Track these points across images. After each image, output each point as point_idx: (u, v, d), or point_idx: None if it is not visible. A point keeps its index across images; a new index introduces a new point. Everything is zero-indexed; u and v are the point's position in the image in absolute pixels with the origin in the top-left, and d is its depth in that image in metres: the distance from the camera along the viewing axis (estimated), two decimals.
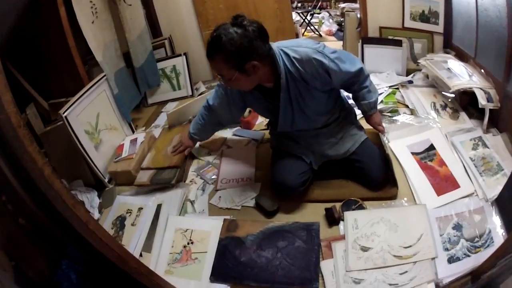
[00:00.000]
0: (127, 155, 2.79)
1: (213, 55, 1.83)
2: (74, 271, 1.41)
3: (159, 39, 4.15)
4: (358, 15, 3.92)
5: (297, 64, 1.90)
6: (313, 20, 6.31)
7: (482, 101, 2.52)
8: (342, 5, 6.17)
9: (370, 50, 3.65)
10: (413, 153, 2.45)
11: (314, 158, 2.30)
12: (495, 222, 1.98)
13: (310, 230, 2.06)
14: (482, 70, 2.78)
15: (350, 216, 2.07)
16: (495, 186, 2.13)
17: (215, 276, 1.96)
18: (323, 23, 6.22)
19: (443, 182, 2.25)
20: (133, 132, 3.30)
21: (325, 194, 2.30)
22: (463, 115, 2.79)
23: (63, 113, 2.40)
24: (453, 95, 2.88)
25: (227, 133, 3.12)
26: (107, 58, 3.00)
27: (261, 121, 3.23)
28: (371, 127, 2.38)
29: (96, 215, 2.50)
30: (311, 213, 2.24)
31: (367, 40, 3.69)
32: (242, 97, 2.24)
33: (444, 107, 2.87)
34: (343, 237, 2.00)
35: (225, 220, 2.22)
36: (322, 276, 1.87)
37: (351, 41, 4.08)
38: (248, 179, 2.58)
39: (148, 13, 3.96)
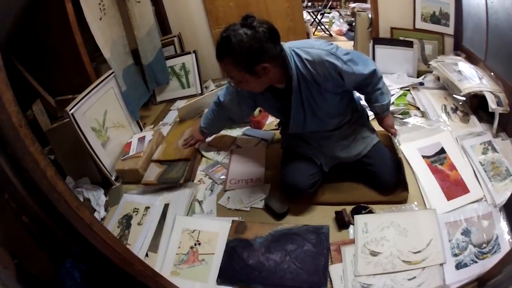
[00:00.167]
0: (134, 153, 2.78)
1: (222, 57, 1.81)
2: (78, 270, 1.41)
3: (168, 36, 4.13)
4: (369, 15, 3.88)
5: (309, 66, 1.86)
6: (323, 20, 6.29)
7: (492, 105, 2.49)
8: (352, 5, 6.16)
9: (381, 51, 3.61)
10: (424, 156, 2.42)
11: (324, 160, 2.27)
12: (503, 228, 1.96)
13: (320, 234, 2.04)
14: (492, 74, 2.75)
15: (360, 220, 2.04)
16: (503, 192, 2.11)
17: (222, 278, 1.94)
18: (333, 22, 6.20)
19: (453, 187, 2.23)
20: (141, 130, 3.28)
21: (335, 197, 2.28)
22: (473, 118, 2.75)
23: (70, 110, 2.39)
24: (464, 98, 2.84)
25: (236, 133, 3.10)
26: (115, 55, 2.99)
27: (271, 120, 3.20)
28: (382, 129, 2.34)
29: (102, 213, 2.49)
30: (321, 216, 2.21)
31: (378, 40, 3.65)
32: (252, 96, 2.22)
33: (454, 110, 2.84)
34: (352, 241, 1.98)
35: (233, 221, 2.20)
36: (331, 281, 1.84)
37: (362, 41, 4.04)
38: (257, 180, 2.55)
39: (157, 10, 3.95)
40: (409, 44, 3.48)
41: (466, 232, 1.94)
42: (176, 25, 4.20)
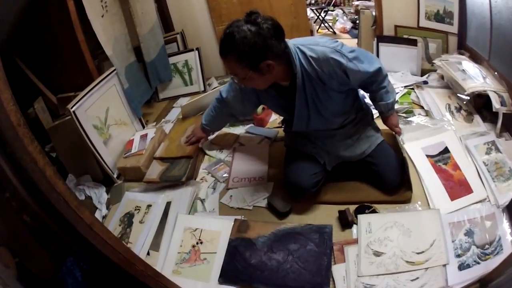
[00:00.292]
0: (136, 150, 2.77)
1: (226, 54, 1.79)
2: (79, 268, 1.40)
3: (171, 33, 4.12)
4: (373, 13, 3.86)
5: (313, 64, 1.84)
6: (327, 17, 6.28)
7: (496, 104, 2.47)
8: (355, 2, 6.13)
9: (385, 49, 3.59)
10: (427, 156, 2.40)
11: (328, 159, 2.25)
12: (505, 229, 1.95)
13: (323, 233, 2.02)
14: (496, 73, 2.74)
15: (363, 219, 2.03)
16: (506, 193, 2.10)
17: (224, 278, 1.93)
18: (337, 20, 6.19)
19: (457, 187, 2.21)
20: (144, 127, 3.27)
21: (339, 196, 2.27)
22: (477, 118, 2.73)
23: (71, 107, 2.38)
24: (468, 98, 2.82)
25: (239, 130, 3.08)
26: (117, 52, 2.98)
27: (274, 118, 3.18)
28: (386, 128, 2.32)
29: (103, 211, 2.49)
30: (324, 215, 2.20)
31: (382, 38, 3.63)
32: (256, 93, 2.20)
33: (458, 109, 2.82)
34: (355, 241, 1.96)
35: (236, 220, 2.19)
36: (333, 281, 1.83)
37: (366, 39, 4.02)
38: (260, 178, 2.54)
39: (160, 7, 3.95)
40: (413, 43, 3.46)
41: (469, 233, 1.93)
42: (179, 22, 4.20)
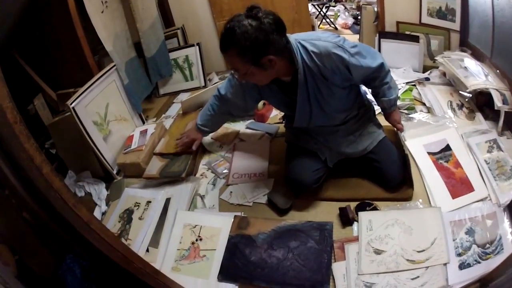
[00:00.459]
0: (136, 146, 2.76)
1: (227, 49, 1.77)
2: (78, 265, 1.39)
3: (171, 29, 4.11)
4: (375, 9, 3.85)
5: (315, 59, 1.83)
6: (328, 13, 6.25)
7: (498, 103, 2.46)
8: None
9: (387, 45, 3.58)
10: (429, 153, 2.39)
11: (330, 155, 2.24)
12: (506, 228, 1.94)
13: (323, 230, 2.01)
14: (498, 71, 2.72)
15: (364, 216, 2.02)
16: (508, 192, 2.09)
17: (224, 275, 1.92)
18: (338, 16, 6.16)
19: (459, 185, 2.20)
20: (144, 123, 3.27)
21: (340, 193, 2.26)
22: (479, 115, 2.72)
23: (71, 104, 2.38)
24: (470, 95, 2.81)
25: (240, 126, 3.07)
26: (117, 47, 2.97)
27: (275, 113, 3.18)
28: (388, 124, 2.31)
29: (103, 207, 2.49)
30: (325, 212, 2.19)
31: (384, 34, 3.62)
32: (257, 88, 2.17)
33: (460, 106, 2.81)
34: (356, 239, 1.96)
35: (235, 216, 2.18)
36: (334, 279, 1.82)
37: (368, 35, 4.02)
38: (261, 174, 2.53)
39: (160, 2, 3.93)
40: (415, 39, 3.45)
41: (470, 232, 1.92)
42: (179, 17, 4.18)
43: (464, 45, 3.33)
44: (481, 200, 2.11)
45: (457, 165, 2.30)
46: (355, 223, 2.07)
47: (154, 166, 2.59)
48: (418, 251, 1.85)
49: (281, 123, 2.94)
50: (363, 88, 2.32)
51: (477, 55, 3.05)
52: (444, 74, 3.23)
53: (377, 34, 3.66)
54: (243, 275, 1.90)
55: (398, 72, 3.43)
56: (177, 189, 2.44)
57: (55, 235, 1.35)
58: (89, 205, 2.47)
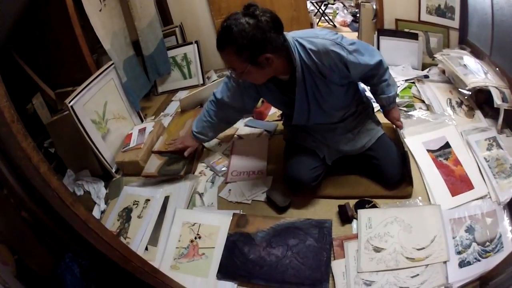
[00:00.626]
0: (135, 145, 2.75)
1: (224, 47, 1.76)
2: (77, 264, 1.39)
3: (169, 27, 4.11)
4: (374, 6, 3.84)
5: (313, 57, 1.82)
6: (327, 11, 6.24)
7: (497, 100, 2.46)
8: None
9: (386, 42, 3.58)
10: (428, 150, 2.38)
11: (328, 152, 2.23)
12: (506, 226, 1.93)
13: (322, 228, 2.01)
14: (497, 69, 2.72)
15: (363, 214, 2.02)
16: (507, 189, 2.08)
17: (222, 273, 1.92)
18: (337, 13, 6.16)
19: (458, 182, 2.19)
20: (142, 121, 3.26)
21: (339, 191, 2.26)
22: (478, 113, 2.71)
23: (69, 102, 2.37)
24: (469, 93, 2.81)
25: (238, 124, 3.03)
26: (115, 46, 2.97)
27: (274, 111, 3.17)
28: (387, 122, 2.31)
29: (102, 206, 2.48)
30: (324, 209, 2.19)
31: (383, 32, 3.61)
32: (255, 87, 2.16)
33: (460, 104, 2.80)
34: (355, 236, 1.95)
35: (234, 214, 2.18)
36: (333, 277, 1.82)
37: (367, 32, 4.01)
38: (259, 172, 2.52)
39: (159, 1, 3.92)
40: (414, 36, 3.44)
41: (470, 230, 1.91)
42: (177, 15, 4.18)
43: (463, 43, 3.33)
44: (481, 198, 2.10)
45: (457, 162, 2.30)
46: (354, 220, 2.06)
47: (153, 164, 2.58)
48: (418, 249, 1.84)
49: (280, 120, 2.94)
50: (362, 85, 2.31)
51: (477, 53, 3.04)
52: (443, 71, 3.23)
53: (376, 32, 3.65)
54: (242, 273, 1.90)
55: (397, 69, 3.43)
56: (176, 187, 2.44)
57: (53, 234, 1.35)
58: (88, 204, 2.47)
